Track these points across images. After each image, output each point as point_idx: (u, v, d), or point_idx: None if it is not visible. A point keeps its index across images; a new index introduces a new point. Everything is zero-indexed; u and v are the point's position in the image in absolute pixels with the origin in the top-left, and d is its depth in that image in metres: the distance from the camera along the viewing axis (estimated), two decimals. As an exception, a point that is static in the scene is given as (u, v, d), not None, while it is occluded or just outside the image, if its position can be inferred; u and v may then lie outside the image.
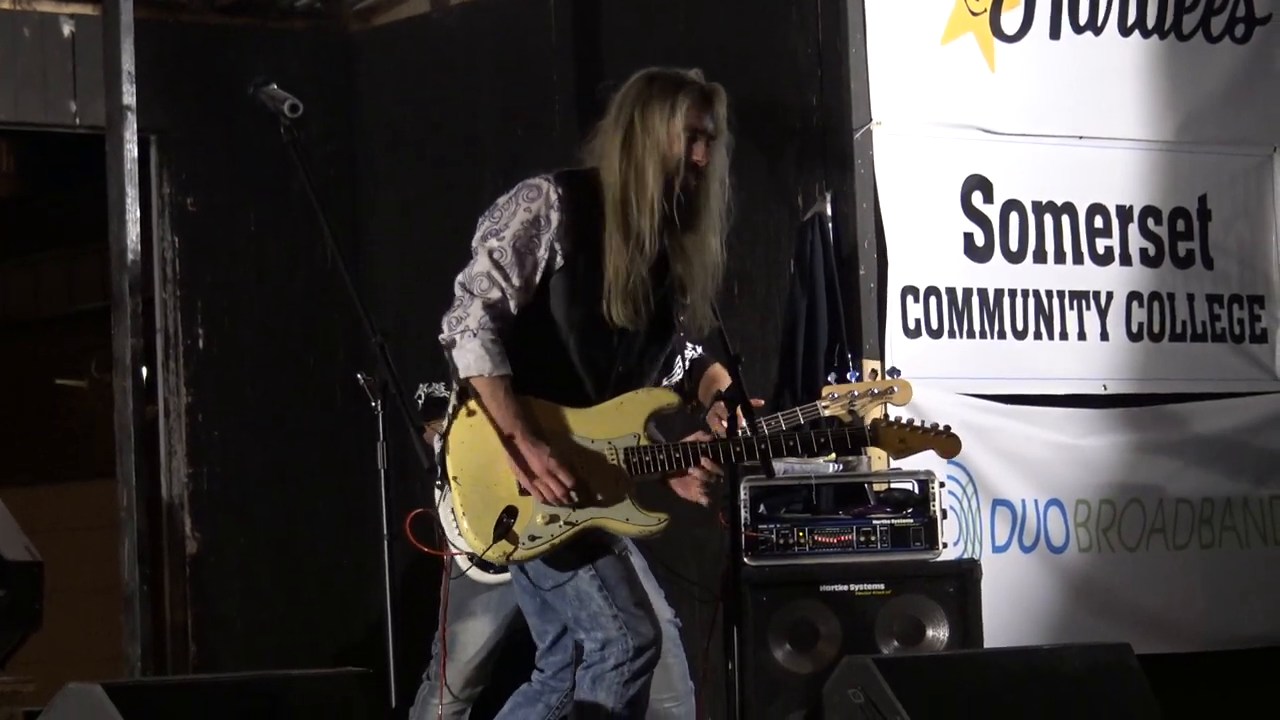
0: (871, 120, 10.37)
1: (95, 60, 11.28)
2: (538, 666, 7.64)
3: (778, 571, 9.41)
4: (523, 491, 7.14)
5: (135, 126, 9.56)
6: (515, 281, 7.16)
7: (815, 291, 10.32)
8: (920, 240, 10.48)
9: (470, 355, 7.13)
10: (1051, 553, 10.59)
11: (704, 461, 7.31)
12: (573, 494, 7.12)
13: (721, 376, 8.41)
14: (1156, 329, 11.04)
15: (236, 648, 11.49)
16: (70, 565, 9.92)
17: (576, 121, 11.33)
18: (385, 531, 7.00)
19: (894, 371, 9.03)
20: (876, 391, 8.78)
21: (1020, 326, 10.70)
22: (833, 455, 9.76)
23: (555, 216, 7.19)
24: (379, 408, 7.13)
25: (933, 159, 10.55)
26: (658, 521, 7.33)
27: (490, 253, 7.16)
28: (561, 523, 7.15)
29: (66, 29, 11.80)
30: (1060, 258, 10.81)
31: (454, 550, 8.38)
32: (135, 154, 9.58)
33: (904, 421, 7.78)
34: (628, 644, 7.26)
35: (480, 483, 7.18)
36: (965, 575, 9.54)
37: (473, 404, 7.16)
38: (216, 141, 11.93)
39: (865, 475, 9.83)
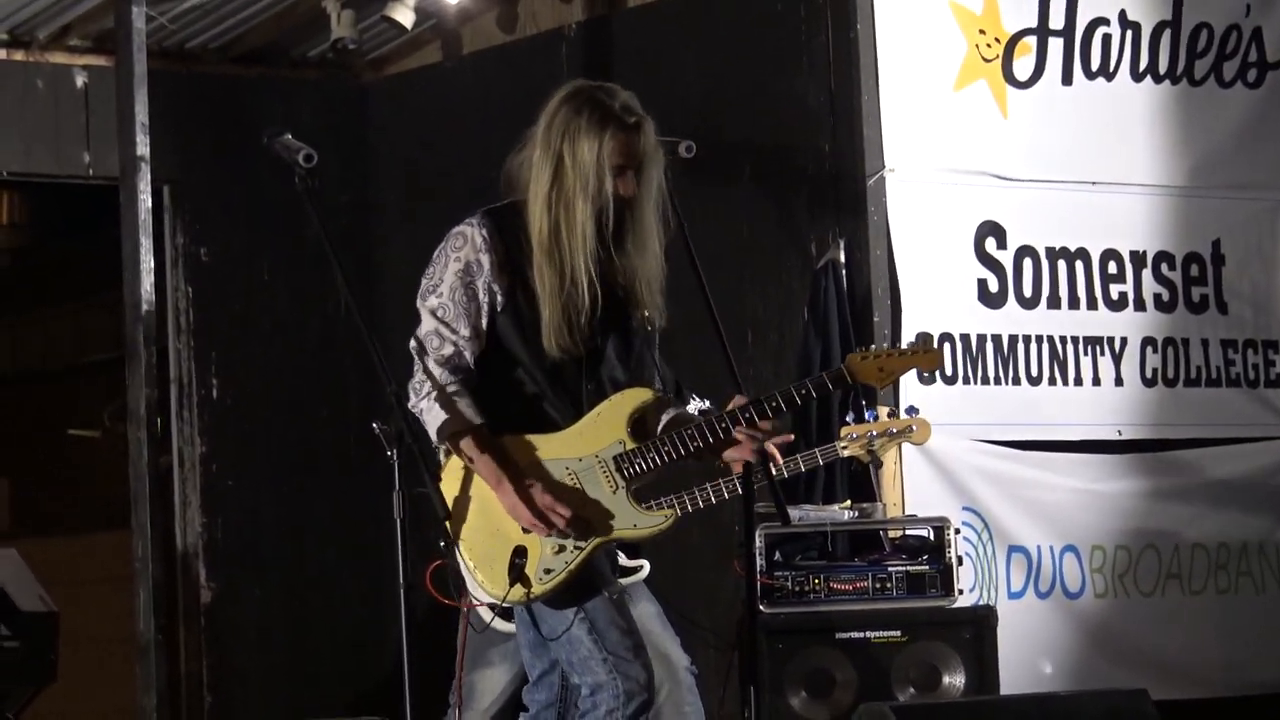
0: (884, 167, 10.38)
1: (108, 111, 11.29)
2: (524, 705, 7.62)
3: (793, 618, 9.40)
4: (526, 530, 7.08)
5: (149, 177, 9.55)
6: (464, 332, 7.12)
7: (829, 337, 10.34)
8: (934, 286, 10.48)
9: (436, 416, 7.07)
10: (1067, 598, 10.58)
11: (704, 442, 7.20)
12: (574, 521, 7.04)
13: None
14: (1171, 374, 11.04)
15: (252, 698, 11.50)
16: (85, 616, 9.91)
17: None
18: (401, 581, 6.98)
19: (912, 410, 9.03)
20: (895, 431, 8.79)
21: (1034, 372, 10.70)
22: (848, 503, 9.80)
23: (486, 259, 7.14)
24: (394, 457, 7.09)
25: (946, 205, 10.55)
26: (665, 518, 7.29)
27: (433, 311, 7.14)
28: (571, 549, 7.09)
29: (80, 80, 11.83)
30: (1074, 303, 10.82)
31: (474, 601, 8.42)
32: (149, 204, 9.58)
33: (881, 350, 7.57)
34: (618, 688, 7.21)
35: (483, 532, 7.15)
36: (981, 621, 9.54)
37: (456, 459, 7.12)
38: (230, 191, 11.95)
39: (880, 522, 9.82)
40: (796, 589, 9.48)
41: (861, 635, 9.42)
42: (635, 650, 7.32)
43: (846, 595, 9.50)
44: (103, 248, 10.64)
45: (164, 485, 9.72)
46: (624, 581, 8.70)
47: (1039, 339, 10.73)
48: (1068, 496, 10.64)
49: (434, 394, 7.05)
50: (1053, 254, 10.79)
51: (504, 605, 7.19)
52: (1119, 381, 10.91)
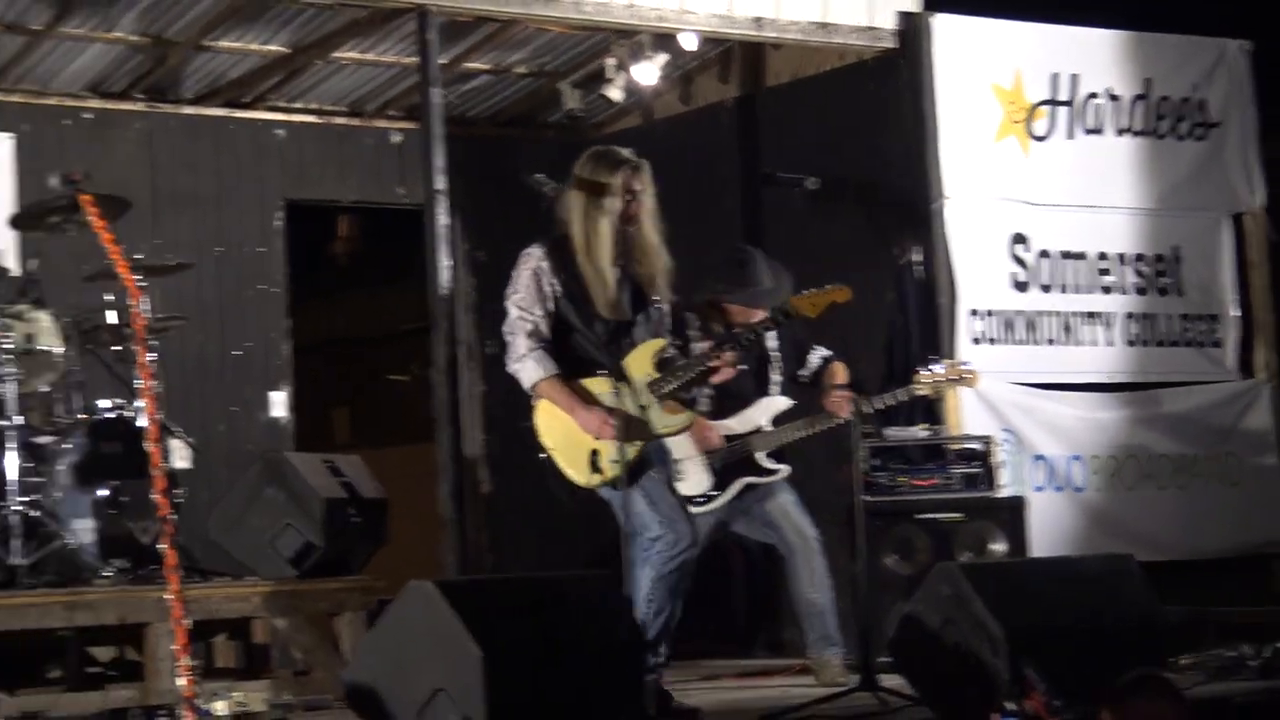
0: (944, 195, 10.37)
1: (415, 159, 11.29)
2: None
3: (885, 505, 9.41)
4: (596, 438, 7.21)
5: (446, 204, 9.61)
6: (539, 312, 7.26)
7: (908, 313, 10.35)
8: (979, 277, 10.46)
9: (528, 371, 7.25)
10: (1075, 492, 10.57)
11: (718, 362, 7.32)
12: (624, 429, 7.13)
13: (839, 371, 8.44)
14: (1146, 338, 11.00)
15: (519, 557, 11.56)
16: (404, 502, 9.97)
17: (741, 199, 11.35)
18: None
19: (966, 363, 8.98)
20: (953, 378, 8.75)
21: (1051, 337, 10.68)
22: (924, 425, 9.78)
23: (546, 265, 7.29)
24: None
25: (987, 222, 10.52)
26: (687, 419, 7.36)
27: (516, 304, 7.31)
28: (627, 447, 7.17)
29: (395, 138, 11.91)
30: (1078, 289, 10.78)
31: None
32: (446, 222, 9.62)
33: (810, 292, 7.56)
34: (670, 538, 7.27)
35: (566, 443, 7.27)
36: (1016, 507, 9.57)
37: (543, 401, 7.28)
38: (497, 213, 11.99)
39: (945, 438, 9.82)
40: (888, 484, 9.48)
41: (933, 516, 9.43)
42: (682, 513, 7.40)
43: (922, 488, 9.50)
44: (412, 251, 10.65)
45: (456, 413, 9.74)
46: (768, 479, 8.74)
47: (1054, 314, 10.71)
48: (1075, 422, 10.62)
49: (524, 358, 7.25)
50: (1063, 255, 10.75)
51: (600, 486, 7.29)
52: (1110, 343, 10.89)
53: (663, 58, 10.94)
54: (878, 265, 10.46)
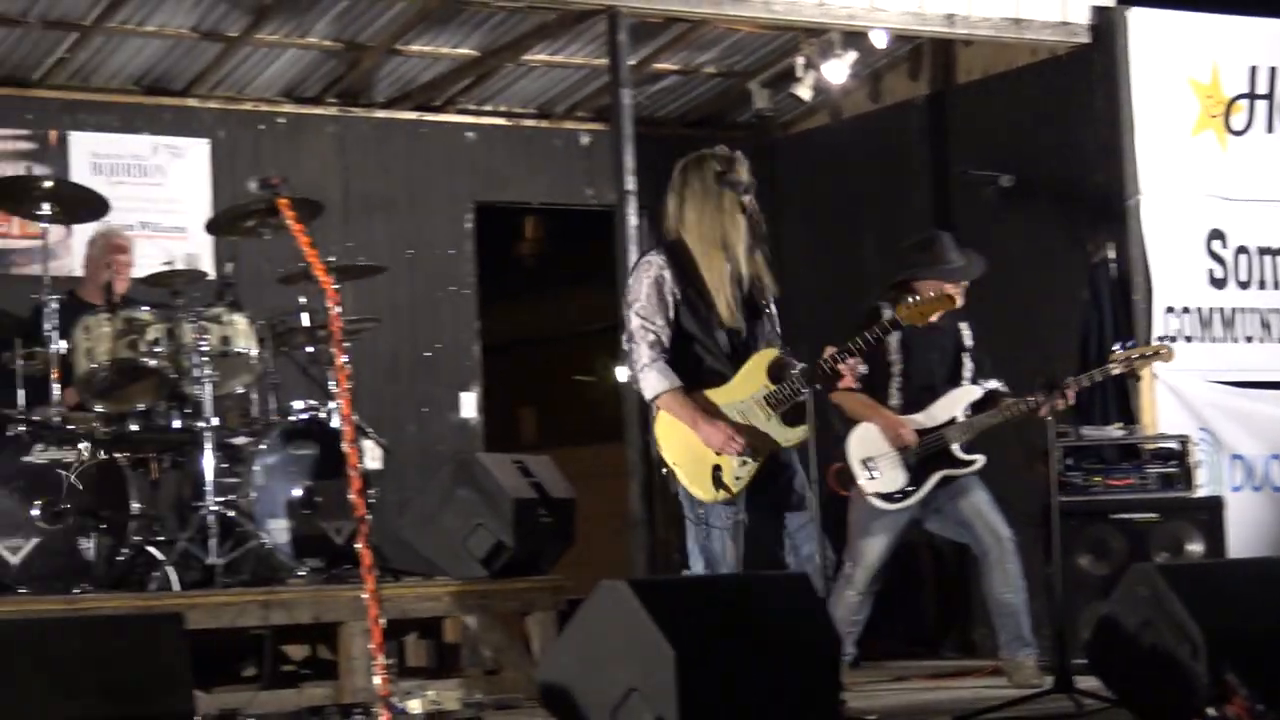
0: (1139, 192, 10.21)
1: (603, 160, 11.34)
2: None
3: (1081, 505, 9.32)
4: (718, 453, 7.09)
5: (635, 204, 9.60)
6: (660, 322, 7.09)
7: (1103, 311, 10.21)
8: (1176, 275, 10.31)
9: (650, 382, 7.11)
10: (1274, 492, 10.42)
11: (844, 368, 7.14)
12: (747, 445, 7.07)
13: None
14: (1348, 338, 10.79)
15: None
16: (592, 501, 9.97)
17: (931, 197, 11.26)
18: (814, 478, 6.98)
19: (1163, 339, 8.82)
20: (1148, 354, 8.61)
21: (1249, 334, 10.51)
22: (1119, 424, 9.66)
23: (668, 274, 7.12)
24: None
25: (1184, 218, 10.37)
26: (805, 431, 7.06)
27: (637, 313, 7.13)
28: (750, 462, 7.10)
29: (584, 139, 11.94)
30: (1277, 286, 10.61)
31: (862, 491, 8.42)
32: (634, 222, 9.62)
33: (911, 300, 7.42)
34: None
35: (688, 458, 7.13)
36: (1213, 507, 9.45)
37: (661, 413, 7.16)
38: (685, 214, 11.98)
39: (1142, 438, 9.69)
40: (1083, 484, 9.37)
41: (1129, 516, 9.31)
42: (732, 562, 7.21)
43: (1118, 488, 9.39)
44: (599, 252, 10.67)
45: (646, 412, 9.72)
46: (964, 471, 8.66)
47: (1251, 311, 10.53)
48: (1273, 420, 10.43)
49: (645, 368, 7.10)
50: (1261, 251, 10.57)
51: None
52: (1308, 341, 10.69)
53: (852, 56, 10.88)
54: (1071, 263, 10.34)
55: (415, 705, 7.16)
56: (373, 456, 9.53)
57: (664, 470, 7.26)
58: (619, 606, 6.28)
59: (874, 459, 8.68)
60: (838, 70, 10.94)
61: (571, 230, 14.08)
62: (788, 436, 7.14)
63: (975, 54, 11.16)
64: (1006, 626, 8.74)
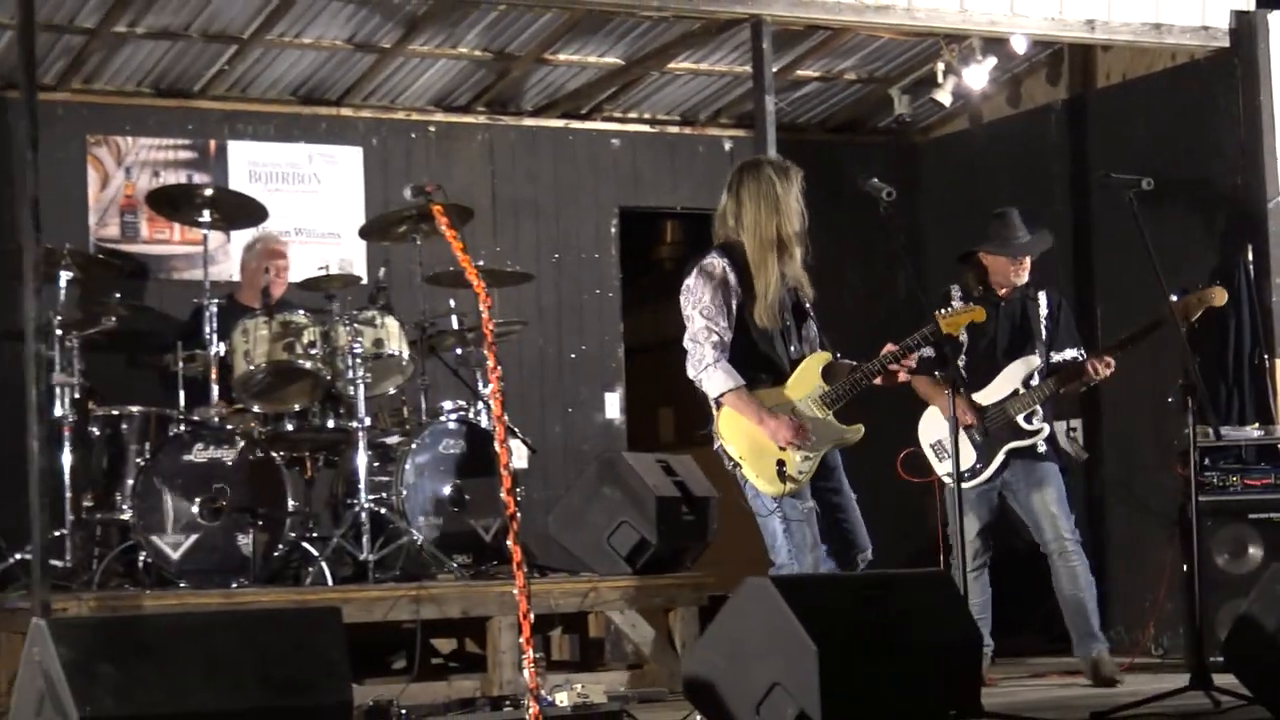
0: (1279, 194, 10.12)
1: (746, 165, 11.45)
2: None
3: (1218, 504, 9.24)
4: (782, 448, 7.30)
5: (777, 208, 9.61)
6: (723, 324, 7.33)
7: (1241, 312, 10.10)
8: (1313, 275, 10.21)
9: (716, 381, 7.33)
10: None
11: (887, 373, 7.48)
12: (808, 437, 7.30)
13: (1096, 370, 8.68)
14: None
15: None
16: (730, 496, 10.00)
17: (1070, 199, 11.21)
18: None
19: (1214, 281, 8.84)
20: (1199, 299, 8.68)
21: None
22: (1255, 425, 9.58)
23: (731, 276, 7.36)
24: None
25: (1323, 219, 10.25)
26: (859, 430, 7.44)
27: (701, 314, 7.37)
28: (811, 457, 7.35)
29: (727, 145, 11.98)
30: None
31: (942, 476, 8.47)
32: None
33: (950, 310, 7.79)
34: (793, 570, 7.34)
35: (754, 453, 7.36)
36: (1351, 507, 9.34)
37: (725, 410, 7.40)
38: (827, 216, 11.97)
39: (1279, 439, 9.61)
40: (1220, 484, 9.30)
41: (1266, 516, 9.24)
42: (811, 547, 7.41)
43: (1256, 488, 9.31)
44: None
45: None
46: (1027, 442, 8.60)
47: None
48: None
49: (710, 367, 7.33)
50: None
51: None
52: None
53: (992, 61, 10.86)
54: (1210, 263, 10.25)
55: (563, 698, 7.25)
56: (520, 456, 9.63)
57: (730, 465, 7.49)
58: (763, 602, 6.34)
59: (942, 441, 8.73)
60: (978, 75, 10.92)
61: (708, 234, 14.08)
62: (845, 435, 7.43)
63: (1114, 58, 11.11)
64: (1076, 624, 8.82)
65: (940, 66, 11.03)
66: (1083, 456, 10.53)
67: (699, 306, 7.38)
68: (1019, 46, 10.71)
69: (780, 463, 7.28)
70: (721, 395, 7.34)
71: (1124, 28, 10.28)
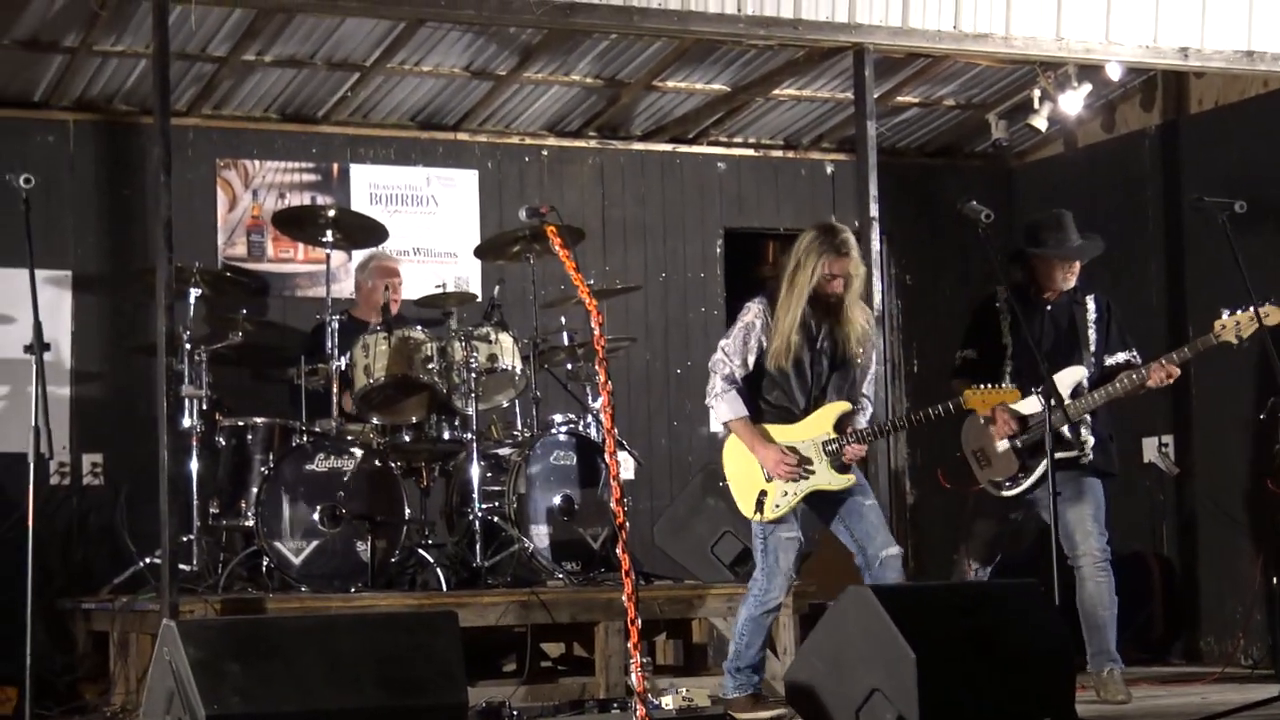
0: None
1: (846, 188, 11.47)
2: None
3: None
4: (769, 479, 7.63)
5: (879, 230, 9.61)
6: (737, 361, 7.70)
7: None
8: None
9: (721, 409, 7.73)
10: None
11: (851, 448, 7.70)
12: (795, 471, 7.59)
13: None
14: None
15: (940, 565, 11.45)
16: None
17: (1163, 223, 11.13)
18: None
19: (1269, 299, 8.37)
20: (1252, 318, 8.25)
21: None
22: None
23: (758, 322, 7.71)
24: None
25: None
26: (849, 479, 7.69)
27: (722, 348, 7.75)
28: (790, 495, 7.63)
29: (828, 169, 11.98)
30: None
31: (980, 484, 8.71)
32: (877, 247, 9.61)
33: (980, 388, 7.75)
34: (763, 586, 7.72)
35: (743, 477, 7.72)
36: None
37: (731, 436, 7.75)
38: (923, 238, 11.99)
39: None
40: (1316, 495, 9.18)
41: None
42: (786, 574, 7.72)
43: (1346, 503, 9.20)
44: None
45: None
46: (1071, 454, 8.47)
47: None
48: None
49: (718, 396, 7.72)
50: None
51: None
52: None
53: (1087, 88, 10.81)
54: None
55: (668, 701, 7.27)
56: (627, 467, 9.66)
57: (721, 484, 7.98)
58: (863, 611, 6.35)
59: (983, 449, 8.62)
60: (1073, 101, 10.87)
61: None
62: (832, 480, 7.67)
63: (1207, 84, 11.04)
64: (1093, 640, 8.50)
65: (1036, 93, 10.99)
66: (1174, 471, 10.44)
67: (724, 340, 7.81)
68: (1114, 74, 10.67)
69: (762, 493, 7.63)
70: (726, 422, 7.74)
71: (1217, 55, 10.20)
